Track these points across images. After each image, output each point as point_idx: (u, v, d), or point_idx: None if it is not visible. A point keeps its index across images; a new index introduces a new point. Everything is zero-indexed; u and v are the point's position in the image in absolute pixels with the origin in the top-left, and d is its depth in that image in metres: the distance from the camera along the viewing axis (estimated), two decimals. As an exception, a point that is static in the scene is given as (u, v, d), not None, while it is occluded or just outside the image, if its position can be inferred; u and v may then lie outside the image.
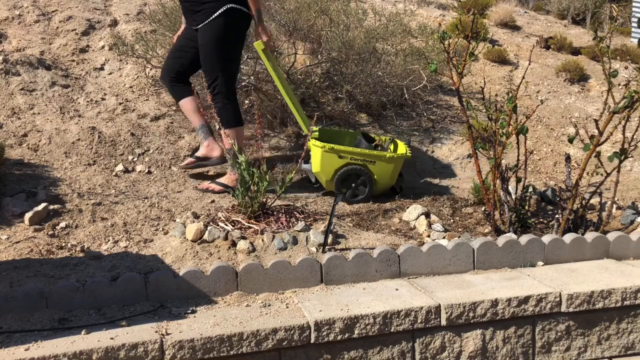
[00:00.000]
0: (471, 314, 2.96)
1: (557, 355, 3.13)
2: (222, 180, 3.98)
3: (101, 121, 4.48)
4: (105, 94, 4.78)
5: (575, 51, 6.84)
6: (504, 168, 3.77)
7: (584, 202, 3.77)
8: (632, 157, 3.87)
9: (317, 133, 4.05)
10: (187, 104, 4.06)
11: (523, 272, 3.33)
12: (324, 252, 3.28)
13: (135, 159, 4.25)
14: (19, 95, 4.53)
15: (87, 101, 4.66)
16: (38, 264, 3.07)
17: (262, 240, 3.33)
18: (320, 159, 3.94)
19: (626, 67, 5.87)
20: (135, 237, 3.37)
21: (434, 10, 7.48)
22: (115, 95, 4.77)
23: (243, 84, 4.70)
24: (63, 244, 3.26)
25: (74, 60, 5.01)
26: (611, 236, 3.58)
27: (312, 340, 2.76)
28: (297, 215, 3.57)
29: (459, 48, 5.20)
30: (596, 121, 3.71)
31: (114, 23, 5.54)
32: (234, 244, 3.29)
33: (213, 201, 3.79)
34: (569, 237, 3.51)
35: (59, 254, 3.19)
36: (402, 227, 3.71)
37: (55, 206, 3.51)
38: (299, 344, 2.75)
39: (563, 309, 3.07)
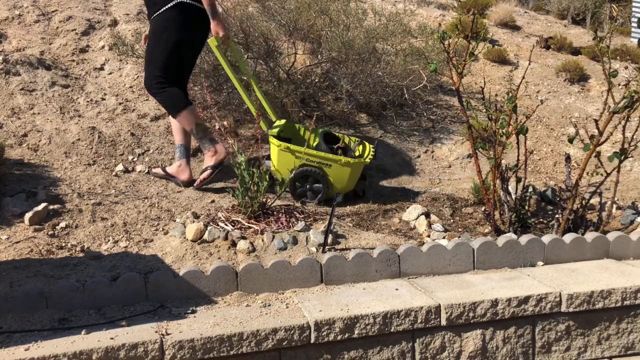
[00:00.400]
0: (471, 314, 2.96)
1: (557, 355, 3.13)
2: (205, 165, 3.96)
3: (101, 121, 4.48)
4: (105, 94, 4.78)
5: (575, 51, 6.84)
6: (504, 168, 3.77)
7: (584, 202, 3.77)
8: (632, 157, 3.87)
9: (276, 130, 3.90)
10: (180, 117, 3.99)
11: (523, 272, 3.33)
12: (324, 252, 3.28)
13: (135, 159, 4.25)
14: (19, 95, 4.53)
15: (87, 101, 4.66)
16: (38, 264, 3.07)
17: (262, 240, 3.33)
18: (277, 157, 3.85)
19: (626, 67, 5.86)
20: (135, 237, 3.37)
21: (434, 10, 7.48)
22: (115, 95, 4.77)
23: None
24: (63, 244, 3.26)
25: (74, 60, 5.01)
26: (611, 236, 3.58)
27: (312, 340, 2.76)
28: (297, 215, 3.57)
29: (459, 48, 5.21)
30: (596, 121, 3.71)
31: (114, 23, 5.54)
32: (234, 244, 3.29)
33: (213, 201, 3.79)
34: (569, 237, 3.51)
35: (59, 254, 3.19)
36: (402, 227, 3.71)
37: (55, 206, 3.51)
38: (299, 344, 2.75)
39: (563, 309, 3.07)
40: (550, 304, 3.05)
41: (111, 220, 3.49)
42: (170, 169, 4.04)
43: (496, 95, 4.45)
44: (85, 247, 3.28)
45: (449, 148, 4.87)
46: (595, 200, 4.01)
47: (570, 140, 3.79)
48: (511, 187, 3.96)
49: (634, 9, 8.39)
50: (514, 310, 3.01)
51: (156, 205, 3.69)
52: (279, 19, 4.89)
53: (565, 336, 3.12)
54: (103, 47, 5.22)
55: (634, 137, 3.70)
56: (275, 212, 3.54)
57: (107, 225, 3.45)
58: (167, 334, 2.61)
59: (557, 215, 3.75)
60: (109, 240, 3.34)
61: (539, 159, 4.83)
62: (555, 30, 7.60)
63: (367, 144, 4.15)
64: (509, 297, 3.00)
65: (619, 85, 5.69)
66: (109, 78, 4.95)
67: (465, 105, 3.79)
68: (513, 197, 3.86)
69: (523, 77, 4.03)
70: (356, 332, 2.82)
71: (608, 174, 3.74)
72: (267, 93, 4.75)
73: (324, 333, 2.77)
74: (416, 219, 3.73)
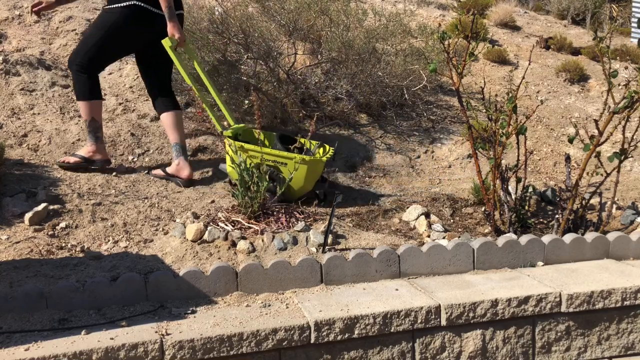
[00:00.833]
0: (471, 314, 2.96)
1: (557, 355, 3.13)
2: (79, 152, 3.99)
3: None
4: (105, 94, 4.77)
5: (575, 51, 6.84)
6: (504, 168, 3.77)
7: (584, 202, 3.77)
8: (632, 157, 3.87)
9: (231, 131, 3.86)
10: (167, 118, 4.06)
11: (523, 272, 3.33)
12: (324, 252, 3.28)
13: (135, 159, 4.25)
14: (19, 95, 4.53)
15: (87, 101, 4.65)
16: (38, 264, 3.07)
17: (262, 240, 3.33)
18: (231, 157, 3.79)
19: (626, 67, 5.87)
20: (135, 237, 3.37)
21: (434, 10, 7.48)
22: (115, 95, 4.77)
23: (243, 84, 4.70)
24: (63, 244, 3.26)
25: (74, 61, 5.01)
26: (611, 236, 3.58)
27: (312, 341, 2.76)
28: (297, 215, 3.57)
29: (458, 48, 5.21)
30: (596, 121, 3.71)
31: (114, 23, 5.53)
32: (234, 244, 3.29)
33: (213, 201, 3.79)
34: (569, 237, 3.51)
35: (59, 254, 3.18)
36: (402, 227, 3.71)
37: (55, 206, 3.51)
38: (299, 344, 2.75)
39: (563, 309, 3.07)
40: (550, 304, 3.05)
41: (111, 221, 3.49)
42: (170, 169, 4.05)
43: (496, 95, 4.45)
44: (85, 247, 3.27)
45: (449, 148, 4.87)
46: (595, 201, 4.01)
47: (570, 141, 3.79)
48: (511, 187, 3.96)
49: (634, 9, 8.39)
50: (514, 311, 3.01)
51: (156, 205, 3.69)
52: (278, 19, 4.89)
53: (565, 336, 3.12)
54: (103, 47, 5.22)
55: (634, 137, 3.70)
56: (275, 212, 3.54)
57: (107, 225, 3.45)
58: (167, 334, 2.61)
59: (557, 216, 3.75)
60: (109, 241, 3.34)
61: (539, 159, 4.83)
62: (555, 31, 7.60)
63: (327, 146, 4.04)
64: (509, 297, 3.00)
65: (619, 85, 5.69)
66: (109, 78, 4.95)
67: (465, 105, 3.79)
68: (513, 197, 3.86)
69: (523, 77, 4.03)
70: (356, 332, 2.82)
71: (608, 174, 3.74)
72: (267, 93, 4.75)
73: (324, 333, 2.77)
74: (416, 219, 3.73)
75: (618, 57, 6.55)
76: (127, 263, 3.12)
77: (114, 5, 3.89)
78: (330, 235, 3.34)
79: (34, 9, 4.20)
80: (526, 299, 3.02)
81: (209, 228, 3.33)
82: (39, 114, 4.42)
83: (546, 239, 3.48)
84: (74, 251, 3.23)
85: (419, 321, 2.89)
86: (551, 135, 5.14)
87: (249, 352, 2.68)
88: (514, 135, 3.72)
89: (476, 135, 3.83)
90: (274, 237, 3.34)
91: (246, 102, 4.75)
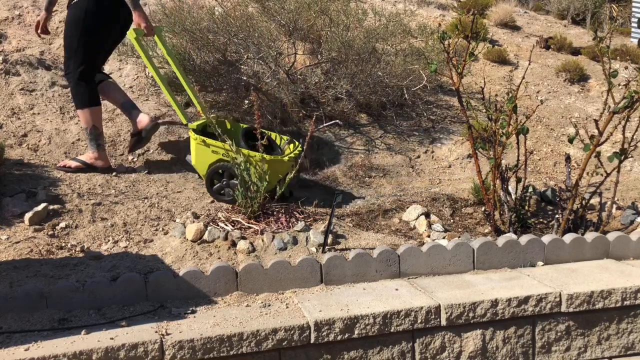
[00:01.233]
0: (471, 314, 2.96)
1: (557, 355, 3.13)
2: (81, 157, 3.99)
3: (102, 122, 4.47)
4: (105, 94, 4.78)
5: (575, 51, 6.84)
6: (504, 168, 3.77)
7: (583, 202, 3.77)
8: (632, 157, 3.87)
9: (196, 124, 3.82)
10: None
11: (523, 272, 3.33)
12: (324, 252, 3.28)
13: (135, 159, 4.25)
14: (19, 95, 4.53)
15: (87, 101, 4.65)
16: (38, 264, 3.07)
17: (262, 240, 3.33)
18: (195, 151, 3.77)
19: (626, 67, 5.86)
20: (135, 237, 3.37)
21: (434, 10, 7.47)
22: (115, 95, 4.77)
23: (243, 84, 4.70)
24: (63, 244, 3.26)
25: (74, 61, 5.01)
26: (611, 236, 3.58)
27: (312, 341, 2.76)
28: (297, 215, 3.57)
29: (459, 48, 5.20)
30: (596, 121, 3.71)
31: (114, 23, 5.53)
32: (234, 244, 3.29)
33: (213, 201, 3.79)
34: (569, 237, 3.51)
35: (59, 254, 3.18)
36: (402, 227, 3.71)
37: (55, 206, 3.51)
38: (299, 344, 2.75)
39: (563, 309, 3.07)
40: (550, 304, 3.05)
41: (111, 221, 3.49)
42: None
43: (496, 95, 4.45)
44: (85, 247, 3.27)
45: (449, 148, 4.87)
46: (595, 201, 4.01)
47: (570, 141, 3.79)
48: (511, 187, 3.96)
49: (634, 9, 8.39)
50: (514, 311, 3.01)
51: (156, 205, 3.68)
52: (279, 19, 4.89)
53: (565, 336, 3.12)
54: (103, 47, 5.22)
55: (634, 137, 3.70)
56: (275, 212, 3.54)
57: (107, 225, 3.45)
58: (167, 334, 2.61)
59: (557, 216, 3.75)
60: (109, 241, 3.34)
61: (539, 159, 4.83)
62: (555, 31, 7.60)
63: (297, 142, 3.98)
64: (509, 297, 3.00)
65: (619, 85, 5.69)
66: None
67: (465, 105, 3.79)
68: (513, 197, 3.86)
69: (523, 77, 4.03)
70: (356, 332, 2.82)
71: (608, 174, 3.74)
72: (267, 93, 4.75)
73: (324, 333, 2.77)
74: (416, 219, 3.73)
75: (618, 57, 6.55)
76: (127, 263, 3.12)
77: (77, 0, 3.87)
78: (330, 235, 3.34)
79: (38, 31, 4.18)
80: (526, 299, 3.01)
81: (209, 228, 3.33)
82: (38, 113, 4.42)
83: (546, 239, 3.48)
84: (74, 251, 3.23)
85: (419, 321, 2.89)
86: (551, 135, 5.14)
87: (249, 352, 2.68)
88: (514, 135, 3.72)
89: (476, 135, 3.83)
90: (274, 237, 3.34)
91: (246, 102, 4.75)
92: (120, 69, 5.02)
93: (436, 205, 3.98)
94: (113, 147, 4.28)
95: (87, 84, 3.96)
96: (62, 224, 3.40)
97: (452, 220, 3.84)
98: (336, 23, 4.94)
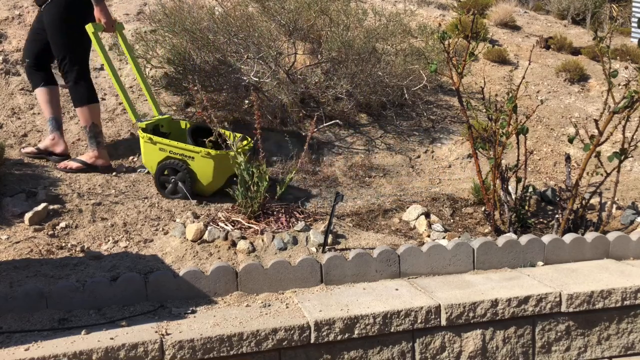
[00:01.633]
0: (471, 314, 2.96)
1: (557, 355, 3.13)
2: (81, 157, 3.99)
3: (101, 121, 4.47)
4: (105, 94, 4.78)
5: (575, 51, 6.84)
6: (504, 168, 3.77)
7: (584, 202, 3.77)
8: (632, 157, 3.87)
9: (145, 123, 3.82)
10: (41, 93, 4.04)
11: (523, 272, 3.33)
12: (324, 252, 3.28)
13: (135, 159, 4.25)
14: (19, 95, 4.53)
15: (87, 101, 4.65)
16: (38, 264, 3.07)
17: (262, 240, 3.33)
18: (143, 149, 3.78)
19: (626, 67, 5.86)
20: (135, 237, 3.37)
21: (434, 10, 7.47)
22: (115, 95, 4.77)
23: (243, 84, 4.70)
24: (63, 244, 3.26)
25: (74, 60, 5.00)
26: (611, 236, 3.58)
27: (312, 341, 2.76)
28: (297, 215, 3.57)
29: (459, 48, 5.20)
30: (596, 121, 3.71)
31: (114, 23, 5.52)
32: (234, 244, 3.29)
33: (213, 201, 3.79)
34: (569, 237, 3.51)
35: (59, 254, 3.18)
36: (402, 227, 3.71)
37: (55, 206, 3.51)
38: (299, 344, 2.75)
39: (563, 309, 3.07)
40: (550, 304, 3.05)
41: (111, 220, 3.49)
42: (43, 144, 4.03)
43: (496, 95, 4.44)
44: (85, 247, 3.27)
45: (449, 148, 4.87)
46: (595, 200, 4.01)
47: (570, 140, 3.79)
48: (511, 187, 3.96)
49: (634, 9, 8.39)
50: (514, 311, 3.01)
51: (156, 205, 3.68)
52: (279, 19, 4.89)
53: (565, 336, 3.12)
54: (103, 47, 5.22)
55: (634, 137, 3.70)
56: (275, 212, 3.54)
57: (107, 225, 3.45)
58: (167, 334, 2.61)
59: (557, 215, 3.75)
60: (109, 240, 3.34)
61: (539, 159, 4.83)
62: (555, 30, 7.60)
63: (249, 139, 3.95)
64: (509, 297, 3.00)
65: (619, 85, 5.69)
66: (109, 78, 4.93)
67: (465, 105, 3.79)
68: (513, 197, 3.86)
69: (523, 77, 4.03)
70: (356, 332, 2.82)
71: (608, 174, 3.74)
72: (267, 93, 4.75)
73: (324, 333, 2.77)
74: (416, 219, 3.73)
75: (618, 57, 6.55)
76: (127, 263, 3.12)
77: (50, 0, 3.86)
78: (330, 235, 3.34)
79: None
80: (526, 299, 3.02)
81: (209, 228, 3.33)
82: (38, 113, 4.42)
83: (546, 238, 3.48)
84: (74, 251, 3.23)
85: (419, 321, 2.89)
86: (551, 135, 5.14)
87: (249, 352, 2.68)
88: (514, 135, 3.72)
89: (476, 135, 3.83)
90: (274, 237, 3.34)
91: (246, 102, 4.75)
92: (120, 69, 5.02)
93: (436, 205, 3.98)
94: (113, 147, 4.28)
95: (85, 81, 3.97)
96: (62, 224, 3.40)
97: (452, 220, 3.84)
98: (336, 23, 4.94)
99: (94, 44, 3.87)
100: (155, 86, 4.88)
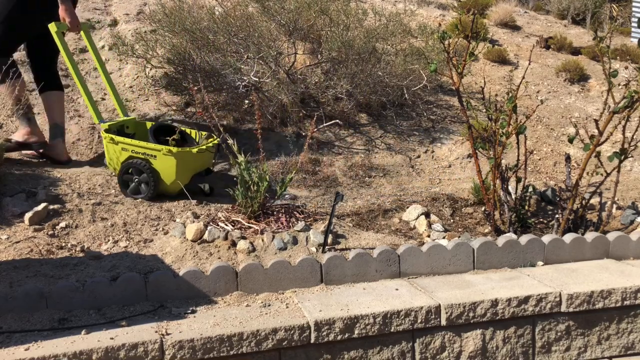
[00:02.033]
0: (471, 314, 2.96)
1: (557, 355, 3.13)
2: (13, 136, 3.97)
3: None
4: (105, 94, 4.78)
5: (575, 51, 6.84)
6: (504, 168, 3.77)
7: (584, 202, 3.77)
8: (632, 157, 3.87)
9: (108, 124, 3.81)
10: (47, 97, 4.05)
11: (523, 272, 3.33)
12: (324, 252, 3.28)
13: (135, 159, 4.24)
14: (19, 95, 4.52)
15: (87, 101, 4.65)
16: (38, 264, 3.07)
17: (262, 240, 3.33)
18: (106, 149, 3.76)
19: (626, 67, 5.86)
20: (135, 237, 3.37)
21: (434, 10, 7.47)
22: (115, 95, 4.77)
23: (243, 83, 4.70)
24: (63, 244, 3.26)
25: (74, 60, 5.01)
26: (611, 236, 3.58)
27: (312, 340, 2.76)
28: (297, 215, 3.57)
29: (459, 48, 5.20)
30: (596, 121, 3.71)
31: (114, 23, 5.53)
32: (234, 244, 3.29)
33: (213, 201, 3.79)
34: (569, 237, 3.51)
35: (59, 254, 3.18)
36: (402, 227, 3.71)
37: (55, 206, 3.51)
38: (299, 344, 2.75)
39: (563, 309, 3.07)
40: (550, 304, 3.05)
41: (111, 220, 3.49)
42: (17, 136, 4.02)
43: (496, 95, 4.45)
44: (85, 247, 3.27)
45: (449, 148, 4.87)
46: (595, 200, 4.01)
47: (570, 140, 3.79)
48: (511, 187, 3.96)
49: (634, 9, 8.39)
50: (514, 310, 3.01)
51: (156, 205, 3.68)
52: (279, 19, 4.89)
53: (565, 336, 3.12)
54: (103, 47, 5.22)
55: (634, 137, 3.70)
56: (275, 212, 3.54)
57: (107, 225, 3.45)
58: (167, 334, 2.62)
59: (557, 215, 3.75)
60: (109, 240, 3.34)
61: (539, 159, 4.83)
62: (555, 30, 7.60)
63: (215, 137, 3.93)
64: (509, 297, 3.00)
65: (619, 85, 5.69)
66: (109, 78, 4.94)
67: (465, 105, 3.79)
68: (513, 197, 3.86)
69: (523, 77, 4.03)
70: (356, 332, 2.82)
71: (608, 174, 3.74)
72: (267, 93, 4.75)
73: (324, 333, 2.77)
74: (416, 219, 3.73)
75: (618, 57, 6.55)
76: (127, 263, 3.12)
77: None
78: (330, 235, 3.34)
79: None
80: (526, 299, 3.02)
81: (209, 228, 3.33)
82: (38, 113, 4.41)
83: (546, 238, 3.48)
84: (74, 251, 3.23)
85: (419, 321, 2.89)
86: (551, 135, 5.14)
87: (249, 352, 2.68)
88: (514, 135, 3.72)
89: (476, 135, 3.83)
90: (274, 236, 3.34)
91: (246, 102, 4.75)
92: (120, 68, 5.03)
93: (436, 205, 3.98)
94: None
95: (2, 57, 3.84)
96: (62, 224, 3.40)
97: (452, 220, 3.84)
98: (336, 23, 4.94)
99: (58, 44, 3.82)
100: (156, 86, 4.89)
